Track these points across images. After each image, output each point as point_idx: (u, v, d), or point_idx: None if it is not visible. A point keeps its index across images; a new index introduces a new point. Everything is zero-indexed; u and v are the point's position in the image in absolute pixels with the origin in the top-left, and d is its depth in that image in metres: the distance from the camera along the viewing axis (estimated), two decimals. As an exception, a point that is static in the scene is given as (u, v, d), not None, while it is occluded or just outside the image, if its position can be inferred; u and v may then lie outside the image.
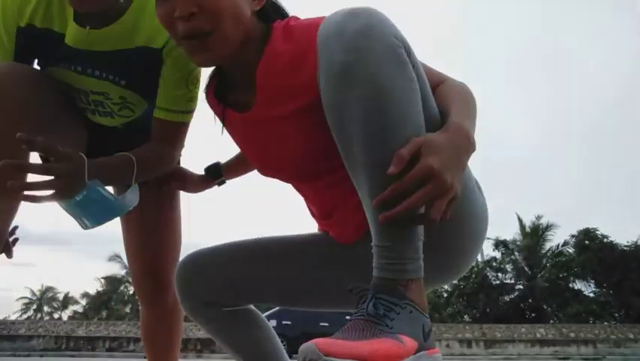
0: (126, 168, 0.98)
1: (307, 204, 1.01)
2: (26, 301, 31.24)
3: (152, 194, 1.17)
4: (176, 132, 1.08)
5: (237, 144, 1.00)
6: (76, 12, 0.95)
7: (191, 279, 0.98)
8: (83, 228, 0.95)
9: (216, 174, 1.22)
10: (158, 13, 0.78)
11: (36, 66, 1.05)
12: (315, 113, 0.72)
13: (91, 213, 0.92)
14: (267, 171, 0.95)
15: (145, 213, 1.17)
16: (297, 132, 0.82)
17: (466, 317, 21.42)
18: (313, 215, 1.02)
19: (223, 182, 1.24)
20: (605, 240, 20.02)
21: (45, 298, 31.78)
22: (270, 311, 10.78)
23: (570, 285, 20.36)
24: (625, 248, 19.65)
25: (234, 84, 0.89)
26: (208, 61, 0.81)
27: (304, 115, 0.78)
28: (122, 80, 1.03)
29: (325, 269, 0.95)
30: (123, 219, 1.25)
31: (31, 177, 0.86)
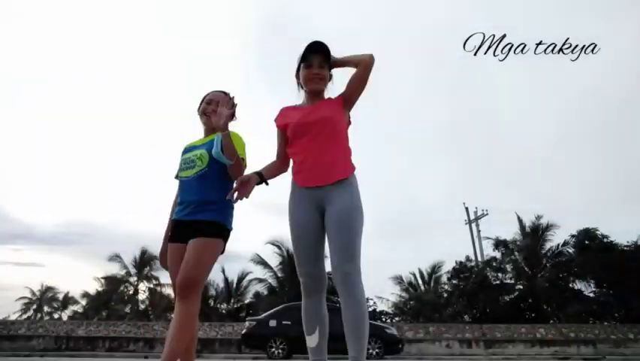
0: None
1: (298, 160, 2.10)
2: (26, 301, 31.29)
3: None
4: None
5: (292, 118, 2.14)
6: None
7: None
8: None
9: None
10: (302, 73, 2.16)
11: None
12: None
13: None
14: (303, 127, 2.09)
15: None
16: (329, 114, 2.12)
17: (466, 317, 21.37)
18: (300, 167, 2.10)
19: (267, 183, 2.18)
20: (605, 240, 19.98)
21: (45, 298, 31.80)
22: (270, 311, 10.74)
23: (570, 285, 20.30)
24: (625, 248, 19.61)
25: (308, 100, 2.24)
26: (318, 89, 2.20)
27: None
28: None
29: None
30: None
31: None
